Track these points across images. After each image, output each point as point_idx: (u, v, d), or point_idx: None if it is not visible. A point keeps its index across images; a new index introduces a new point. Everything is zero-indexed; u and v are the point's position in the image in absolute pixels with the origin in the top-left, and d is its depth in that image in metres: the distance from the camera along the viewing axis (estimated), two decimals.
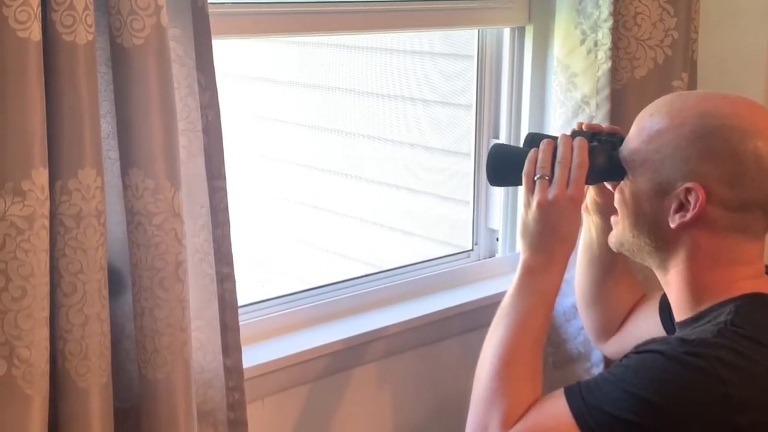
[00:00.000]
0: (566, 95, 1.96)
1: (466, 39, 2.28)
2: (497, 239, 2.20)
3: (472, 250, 2.21)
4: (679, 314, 1.47)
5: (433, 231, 2.81)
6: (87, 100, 1.31)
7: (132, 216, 1.40)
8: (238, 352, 1.57)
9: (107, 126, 1.40)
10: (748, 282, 1.41)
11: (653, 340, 1.36)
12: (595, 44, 1.90)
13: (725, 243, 1.41)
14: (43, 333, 1.32)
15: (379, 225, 3.12)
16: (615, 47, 1.89)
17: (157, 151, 1.38)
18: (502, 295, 1.58)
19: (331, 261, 3.24)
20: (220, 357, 1.55)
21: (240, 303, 1.58)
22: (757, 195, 1.39)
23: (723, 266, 1.42)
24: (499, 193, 2.17)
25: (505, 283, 2.11)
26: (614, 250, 1.57)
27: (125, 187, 1.40)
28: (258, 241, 3.41)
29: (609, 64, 1.89)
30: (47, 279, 1.32)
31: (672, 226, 1.41)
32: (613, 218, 1.54)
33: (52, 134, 1.30)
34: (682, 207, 1.40)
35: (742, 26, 2.28)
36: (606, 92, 1.90)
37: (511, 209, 2.18)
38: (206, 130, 1.48)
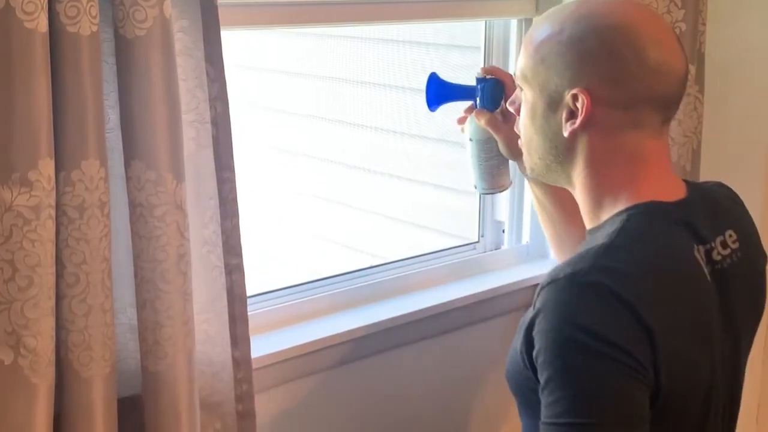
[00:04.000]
0: None
1: (473, 30, 2.28)
2: (503, 231, 2.20)
3: (478, 241, 2.21)
4: (587, 222, 1.46)
5: (440, 223, 2.81)
6: (91, 91, 1.31)
7: (134, 207, 1.40)
8: (247, 344, 1.57)
9: (115, 117, 1.41)
10: (650, 184, 1.40)
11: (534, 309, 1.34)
12: None
13: (621, 140, 1.39)
14: (50, 322, 1.33)
15: (385, 216, 3.12)
16: None
17: (159, 143, 1.38)
18: (508, 286, 1.60)
19: (337, 252, 3.25)
20: (229, 349, 1.55)
21: (247, 294, 1.58)
22: (641, 90, 1.37)
23: (623, 163, 1.40)
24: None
25: (511, 274, 2.13)
26: (530, 177, 1.59)
27: (127, 179, 1.40)
28: (266, 232, 3.41)
29: None
30: (53, 269, 1.32)
31: (565, 135, 1.40)
32: (519, 142, 1.52)
33: (56, 125, 1.30)
34: (573, 115, 1.39)
35: (750, 18, 2.27)
36: None
37: (518, 201, 2.18)
38: (215, 122, 1.48)
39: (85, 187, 1.33)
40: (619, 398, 1.26)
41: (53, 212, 1.30)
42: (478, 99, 1.72)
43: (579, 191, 1.45)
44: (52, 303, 1.33)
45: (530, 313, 1.33)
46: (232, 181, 1.51)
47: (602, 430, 1.24)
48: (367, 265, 2.07)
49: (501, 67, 2.10)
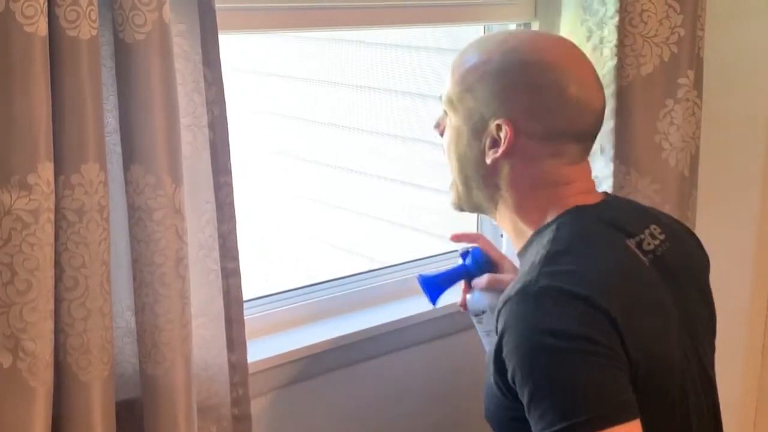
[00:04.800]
0: None
1: (470, 35, 2.28)
2: (501, 236, 2.20)
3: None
4: (517, 246, 1.50)
5: (438, 226, 2.81)
6: (90, 95, 1.31)
7: (133, 211, 1.40)
8: (243, 348, 1.58)
9: (114, 121, 1.41)
10: (573, 199, 1.45)
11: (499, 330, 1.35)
12: (601, 41, 1.90)
13: (542, 168, 1.45)
14: (48, 326, 1.33)
15: (383, 220, 3.12)
16: (621, 44, 1.89)
17: (158, 147, 1.38)
18: None
19: (335, 256, 3.25)
20: (225, 352, 1.55)
21: (244, 298, 1.58)
22: (561, 125, 1.43)
23: (543, 188, 1.46)
24: None
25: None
26: (456, 210, 1.60)
27: (126, 183, 1.40)
28: (263, 236, 3.41)
29: (615, 61, 1.89)
30: (52, 272, 1.32)
31: (488, 162, 1.45)
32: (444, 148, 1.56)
33: (56, 129, 1.30)
34: (495, 143, 1.44)
35: (749, 24, 2.27)
36: (612, 89, 1.90)
37: None
38: (212, 126, 1.48)
39: (84, 191, 1.33)
40: (606, 387, 1.27)
41: (52, 216, 1.30)
42: (471, 272, 1.70)
43: (503, 216, 1.51)
44: (50, 306, 1.33)
45: (494, 339, 1.36)
46: (230, 185, 1.51)
47: (602, 422, 1.25)
48: (366, 269, 2.07)
49: None
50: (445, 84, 1.51)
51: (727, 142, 2.34)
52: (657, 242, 1.47)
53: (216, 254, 1.52)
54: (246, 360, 1.59)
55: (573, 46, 1.52)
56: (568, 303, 1.30)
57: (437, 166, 2.84)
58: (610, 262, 1.38)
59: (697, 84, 1.96)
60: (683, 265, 1.50)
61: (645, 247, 1.44)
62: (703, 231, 2.11)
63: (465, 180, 1.52)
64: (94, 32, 1.30)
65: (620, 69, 1.90)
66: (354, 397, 1.92)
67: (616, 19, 1.87)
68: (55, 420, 1.39)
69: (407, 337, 1.95)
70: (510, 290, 1.36)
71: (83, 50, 1.29)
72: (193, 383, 1.50)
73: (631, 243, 1.43)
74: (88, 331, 1.37)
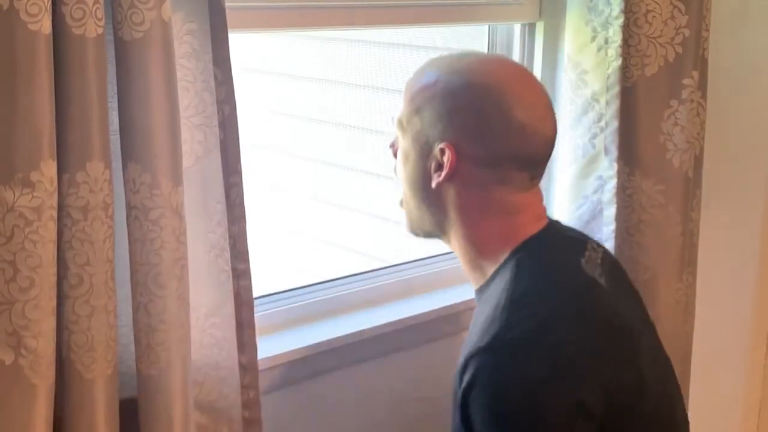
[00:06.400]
0: (576, 92, 1.96)
1: (475, 34, 2.28)
2: None
3: None
4: (474, 281, 1.48)
5: None
6: (96, 93, 1.31)
7: (130, 210, 1.40)
8: (254, 350, 1.57)
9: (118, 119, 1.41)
10: (525, 229, 1.43)
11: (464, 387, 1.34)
12: (606, 41, 1.90)
13: (488, 196, 1.42)
14: (51, 323, 1.33)
15: (389, 220, 3.12)
16: (626, 44, 1.88)
17: (156, 146, 1.37)
18: None
19: (341, 255, 3.25)
20: (236, 354, 1.55)
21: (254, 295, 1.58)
22: (506, 150, 1.40)
23: (492, 217, 1.43)
24: None
25: None
26: (412, 235, 1.58)
27: (125, 181, 1.40)
28: (269, 235, 3.41)
29: (619, 61, 1.89)
30: (54, 270, 1.32)
31: (432, 186, 1.43)
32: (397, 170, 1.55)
33: (61, 127, 1.30)
34: (440, 167, 1.42)
35: (754, 25, 2.27)
36: (616, 89, 1.90)
37: None
38: (222, 125, 1.48)
39: (89, 189, 1.33)
40: None
41: (55, 213, 1.30)
42: None
43: (456, 245, 1.48)
44: (53, 304, 1.33)
45: (459, 387, 1.34)
46: (240, 185, 1.51)
47: None
48: (369, 269, 2.07)
49: None
50: (400, 105, 1.50)
51: (732, 143, 2.34)
52: (601, 253, 1.48)
53: (227, 255, 1.51)
54: (256, 362, 1.58)
55: (524, 71, 1.49)
56: (538, 361, 1.29)
57: None
58: (574, 300, 1.37)
59: (702, 85, 1.96)
60: (619, 268, 1.53)
61: (594, 260, 1.44)
62: (707, 232, 2.11)
63: (415, 204, 1.50)
64: (100, 30, 1.30)
65: (625, 69, 1.90)
66: (362, 396, 1.92)
67: (621, 19, 1.87)
68: (59, 418, 1.39)
69: (415, 335, 1.95)
70: (477, 342, 1.33)
71: (89, 48, 1.29)
72: (190, 385, 1.49)
73: (584, 262, 1.42)
74: (92, 329, 1.37)
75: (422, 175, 1.45)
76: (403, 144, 1.48)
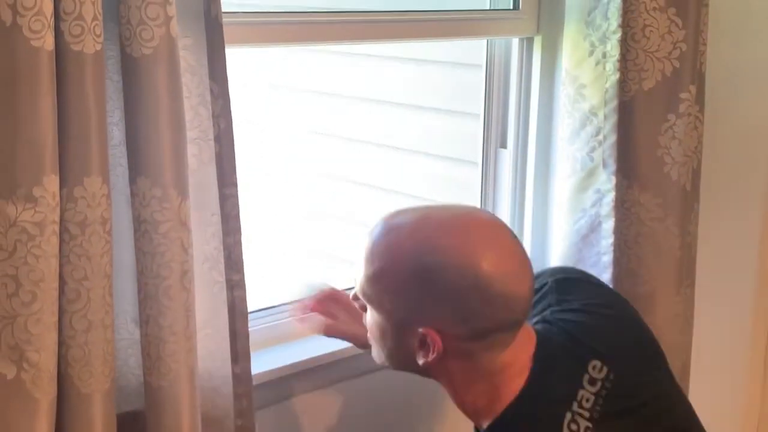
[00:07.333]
0: (574, 106, 1.96)
1: (475, 49, 2.29)
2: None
3: None
4: (473, 421, 1.50)
5: None
6: (94, 108, 1.32)
7: (139, 224, 1.41)
8: (247, 360, 1.58)
9: (120, 134, 1.41)
10: (511, 385, 1.43)
11: None
12: (604, 56, 1.91)
13: (476, 364, 1.43)
14: (53, 337, 1.33)
15: None
16: (623, 59, 1.89)
17: (165, 161, 1.39)
18: None
19: (340, 268, 3.25)
20: (229, 364, 1.56)
21: (249, 309, 1.59)
22: (487, 324, 1.39)
23: (482, 381, 1.44)
24: (507, 198, 2.17)
25: None
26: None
27: (132, 195, 1.40)
28: (268, 247, 3.41)
29: (617, 75, 1.90)
30: (57, 284, 1.33)
31: (420, 363, 1.42)
32: (369, 336, 1.52)
33: (60, 142, 1.30)
34: (424, 346, 1.40)
35: (751, 39, 2.28)
36: (614, 104, 1.91)
37: (518, 217, 2.19)
38: (218, 139, 1.48)
39: (87, 204, 1.33)
40: None
41: (57, 228, 1.31)
42: None
43: (452, 400, 1.49)
44: (55, 318, 1.33)
45: None
46: (235, 197, 1.52)
47: None
48: None
49: (502, 87, 2.13)
50: (359, 271, 1.44)
51: (730, 156, 2.34)
52: (599, 385, 1.45)
53: (221, 266, 1.52)
54: (250, 371, 1.59)
55: (493, 228, 1.44)
56: None
57: (450, 180, 2.86)
58: None
59: (699, 98, 1.97)
60: (639, 383, 1.50)
61: (584, 405, 1.43)
62: (705, 245, 2.12)
63: (397, 366, 1.50)
64: (98, 47, 1.31)
65: (623, 83, 1.91)
66: (358, 409, 1.92)
67: (619, 34, 1.88)
68: (57, 431, 1.39)
69: None
70: None
71: (88, 64, 1.30)
72: (198, 395, 1.50)
73: (566, 422, 1.41)
74: (89, 344, 1.37)
75: (405, 353, 1.43)
76: (376, 318, 1.45)
